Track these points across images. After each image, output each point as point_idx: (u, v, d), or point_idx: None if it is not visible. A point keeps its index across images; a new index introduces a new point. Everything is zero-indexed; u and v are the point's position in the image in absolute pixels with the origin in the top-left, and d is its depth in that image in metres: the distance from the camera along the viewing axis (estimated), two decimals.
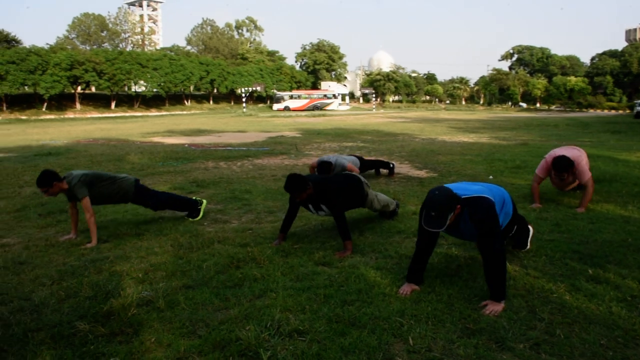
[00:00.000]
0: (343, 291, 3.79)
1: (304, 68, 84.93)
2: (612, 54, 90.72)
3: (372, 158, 10.28)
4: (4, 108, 49.08)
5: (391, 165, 9.51)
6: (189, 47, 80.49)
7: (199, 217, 6.32)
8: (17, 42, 60.03)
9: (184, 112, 59.38)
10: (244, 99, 58.46)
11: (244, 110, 55.70)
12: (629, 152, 13.60)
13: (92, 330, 3.23)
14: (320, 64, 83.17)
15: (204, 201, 6.50)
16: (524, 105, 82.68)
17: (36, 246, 5.27)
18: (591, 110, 74.98)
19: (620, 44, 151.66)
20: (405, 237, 5.25)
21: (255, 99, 72.54)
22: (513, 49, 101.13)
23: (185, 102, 67.05)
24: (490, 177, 9.26)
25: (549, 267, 4.31)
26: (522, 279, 3.99)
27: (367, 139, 18.78)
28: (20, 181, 9.55)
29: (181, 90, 64.39)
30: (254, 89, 65.79)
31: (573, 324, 3.22)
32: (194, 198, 6.58)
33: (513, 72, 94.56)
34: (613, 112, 71.23)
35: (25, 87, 50.95)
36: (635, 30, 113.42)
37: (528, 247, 4.74)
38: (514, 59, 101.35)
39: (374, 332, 3.11)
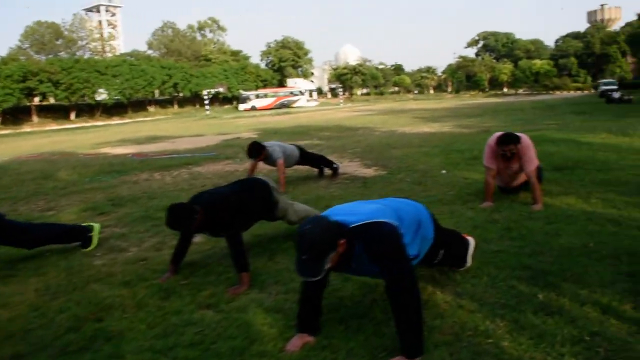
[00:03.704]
0: (211, 352, 2.85)
1: (269, 66, 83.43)
2: (575, 35, 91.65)
3: (318, 153, 9.30)
4: None
5: (334, 166, 8.59)
6: (150, 52, 78.59)
7: (92, 247, 5.31)
8: None
9: (148, 119, 57.66)
10: (206, 102, 57.03)
11: (207, 112, 54.32)
12: (593, 134, 12.94)
13: None
14: (286, 61, 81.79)
15: (96, 226, 5.48)
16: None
17: None
18: (557, 92, 75.28)
19: (582, 25, 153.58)
20: None
21: (222, 100, 71.01)
22: (478, 35, 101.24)
23: (149, 108, 65.26)
24: (443, 171, 8.41)
25: (490, 292, 3.42)
26: (453, 315, 3.10)
27: (324, 135, 17.85)
28: None
29: (144, 96, 62.66)
30: (217, 90, 64.36)
31: None
32: (84, 224, 5.55)
33: (479, 58, 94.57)
34: (579, 92, 71.63)
35: None
36: (596, 11, 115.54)
37: (468, 264, 3.85)
38: (479, 45, 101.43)
39: None
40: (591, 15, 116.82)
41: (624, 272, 3.64)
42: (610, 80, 57.10)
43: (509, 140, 5.71)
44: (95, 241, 5.37)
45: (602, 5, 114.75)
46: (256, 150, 7.59)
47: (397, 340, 2.71)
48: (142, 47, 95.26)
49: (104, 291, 3.98)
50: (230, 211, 4.06)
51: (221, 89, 65.54)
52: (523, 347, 2.69)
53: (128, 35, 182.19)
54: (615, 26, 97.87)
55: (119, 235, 5.78)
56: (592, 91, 65.52)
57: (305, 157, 8.29)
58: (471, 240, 3.93)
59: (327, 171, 8.67)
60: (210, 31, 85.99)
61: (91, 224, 5.52)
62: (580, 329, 2.85)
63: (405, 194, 6.84)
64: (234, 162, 11.75)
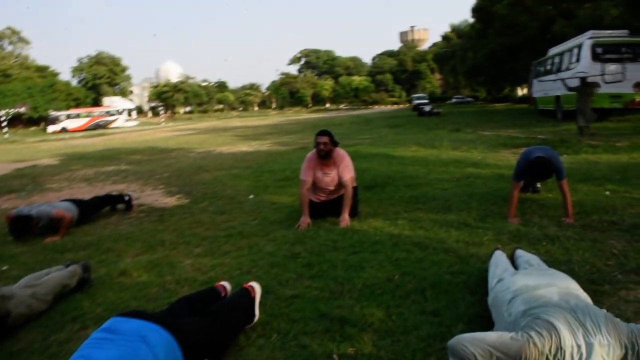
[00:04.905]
0: None
1: (82, 84, 77.97)
2: (389, 54, 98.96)
3: (102, 194, 7.90)
4: None
5: (126, 199, 7.48)
6: None
7: None
8: None
9: None
10: (4, 123, 50.78)
11: (6, 136, 48.56)
12: (405, 147, 13.33)
13: None
14: (101, 78, 77.11)
15: None
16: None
17: None
18: (376, 107, 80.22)
19: (396, 44, 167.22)
20: (82, 328, 3.35)
21: (27, 121, 64.25)
22: (301, 52, 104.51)
23: None
24: (251, 196, 7.78)
25: (278, 356, 2.77)
26: None
27: (134, 159, 16.38)
28: None
29: None
30: (18, 110, 57.91)
31: None
32: None
33: (302, 75, 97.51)
34: (395, 106, 76.97)
35: None
36: (407, 32, 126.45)
37: (256, 317, 3.18)
38: (302, 62, 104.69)
39: None
40: (403, 35, 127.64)
41: (429, 311, 3.22)
42: (422, 95, 62.19)
43: (325, 132, 5.80)
44: None
45: (411, 26, 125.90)
46: (23, 226, 5.98)
47: None
48: None
49: None
50: None
51: (22, 109, 58.98)
52: None
53: None
54: (424, 46, 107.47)
55: None
56: (407, 105, 70.63)
57: (88, 207, 6.94)
58: (257, 289, 3.29)
59: (121, 206, 7.55)
60: (10, 43, 77.78)
61: None
62: None
63: (204, 226, 6.08)
64: (17, 197, 10.01)
